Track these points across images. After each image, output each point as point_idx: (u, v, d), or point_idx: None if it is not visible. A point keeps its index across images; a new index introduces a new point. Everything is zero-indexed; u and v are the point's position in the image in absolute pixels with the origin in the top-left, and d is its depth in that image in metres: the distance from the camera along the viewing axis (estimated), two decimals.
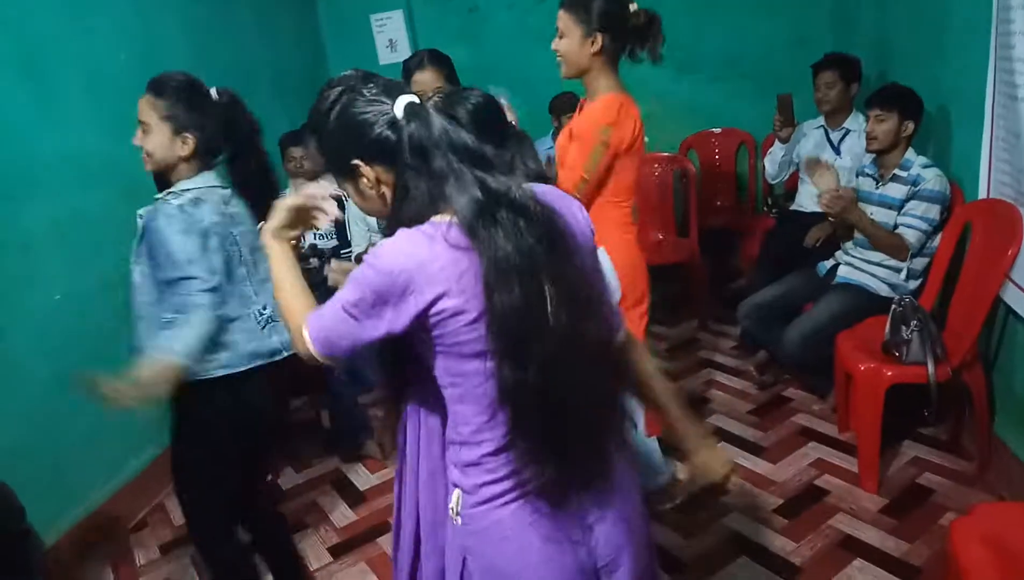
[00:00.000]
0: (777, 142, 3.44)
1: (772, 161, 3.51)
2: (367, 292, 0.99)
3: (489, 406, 1.02)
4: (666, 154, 4.20)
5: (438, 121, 0.99)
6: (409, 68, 2.30)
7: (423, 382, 1.12)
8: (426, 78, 2.22)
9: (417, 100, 1.02)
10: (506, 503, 1.05)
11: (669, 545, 2.30)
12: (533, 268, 0.94)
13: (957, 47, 2.58)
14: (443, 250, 0.96)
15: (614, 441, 1.10)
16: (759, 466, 2.66)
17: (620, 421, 1.11)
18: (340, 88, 1.07)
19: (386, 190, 1.07)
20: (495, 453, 1.04)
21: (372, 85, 1.06)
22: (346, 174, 1.10)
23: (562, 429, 1.00)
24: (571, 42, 1.91)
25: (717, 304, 4.05)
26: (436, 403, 1.13)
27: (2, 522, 1.94)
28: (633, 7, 1.92)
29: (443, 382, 1.07)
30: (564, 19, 1.91)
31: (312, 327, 1.08)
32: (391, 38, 4.75)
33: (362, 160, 1.06)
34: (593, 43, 1.90)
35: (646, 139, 4.91)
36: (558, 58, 1.97)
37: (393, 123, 1.02)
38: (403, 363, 1.15)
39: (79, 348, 2.59)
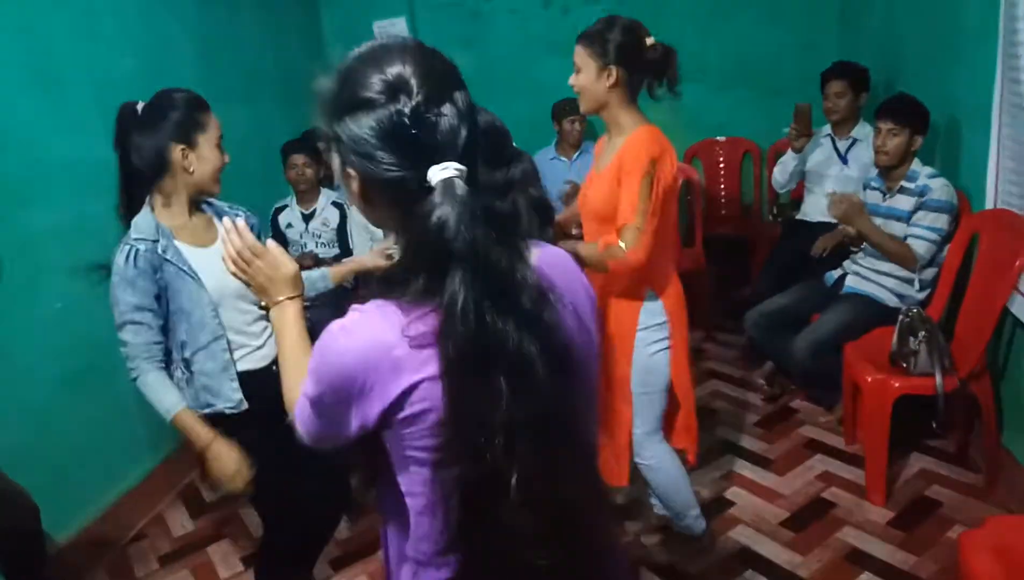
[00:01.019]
0: (790, 151, 3.43)
1: (783, 170, 3.49)
2: (323, 387, 0.85)
3: (449, 527, 0.83)
4: None
5: (478, 229, 0.76)
6: None
7: (390, 483, 0.92)
8: None
9: (459, 175, 0.79)
10: None
11: (675, 558, 2.28)
12: (503, 456, 0.75)
13: (964, 56, 2.57)
14: (414, 342, 0.79)
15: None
16: (765, 478, 2.63)
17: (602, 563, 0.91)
18: (387, 86, 0.79)
19: (383, 218, 0.90)
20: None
21: (430, 112, 0.79)
22: (344, 170, 0.88)
23: None
24: (588, 76, 1.90)
25: (722, 313, 4.03)
26: (402, 513, 0.94)
27: (19, 521, 1.95)
28: (649, 40, 1.92)
29: (404, 490, 0.89)
30: (580, 53, 1.90)
31: (297, 418, 0.94)
32: None
33: (365, 182, 0.85)
34: (609, 76, 1.89)
35: None
36: (576, 92, 1.95)
37: (420, 183, 0.79)
38: (374, 452, 0.93)
39: (83, 354, 2.58)
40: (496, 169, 1.25)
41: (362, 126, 0.79)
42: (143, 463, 2.88)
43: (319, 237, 3.57)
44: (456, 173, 0.78)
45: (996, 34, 2.26)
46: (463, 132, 0.80)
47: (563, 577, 0.81)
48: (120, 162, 1.72)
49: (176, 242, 1.72)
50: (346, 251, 3.58)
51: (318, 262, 3.43)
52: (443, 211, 0.76)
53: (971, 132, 2.55)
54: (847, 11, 4.04)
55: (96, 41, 2.76)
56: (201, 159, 1.69)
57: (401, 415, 0.82)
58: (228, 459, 1.70)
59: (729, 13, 4.29)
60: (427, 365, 0.79)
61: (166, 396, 1.71)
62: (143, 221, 1.71)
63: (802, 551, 2.25)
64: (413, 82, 0.78)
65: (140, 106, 1.68)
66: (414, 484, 0.87)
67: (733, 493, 2.57)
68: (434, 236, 0.76)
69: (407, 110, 0.77)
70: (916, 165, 2.63)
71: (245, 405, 1.79)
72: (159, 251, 1.68)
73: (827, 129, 3.37)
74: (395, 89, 0.78)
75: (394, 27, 4.71)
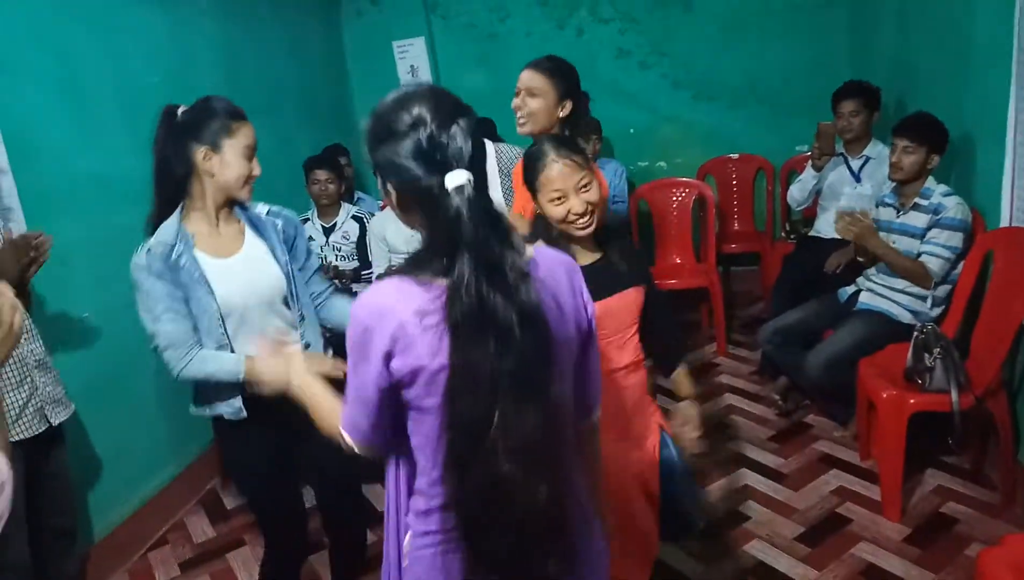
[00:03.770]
0: (808, 169, 3.45)
1: (802, 188, 3.51)
2: (354, 359, 1.05)
3: (443, 462, 1.04)
4: (684, 179, 4.22)
5: (480, 224, 0.99)
6: None
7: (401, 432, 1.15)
8: None
9: (469, 183, 1.01)
10: (446, 552, 1.08)
11: (688, 573, 2.29)
12: (491, 396, 0.96)
13: (978, 74, 2.59)
14: (415, 310, 0.99)
15: (565, 544, 1.07)
16: (780, 493, 2.64)
17: (570, 525, 1.08)
18: (411, 122, 1.03)
19: (419, 223, 1.11)
20: (445, 508, 1.07)
21: (443, 135, 1.02)
22: (384, 187, 1.12)
23: (508, 531, 1.00)
24: (546, 103, 1.98)
25: (736, 329, 4.04)
26: (404, 452, 1.17)
27: (68, 517, 2.02)
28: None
29: (408, 430, 1.10)
30: (540, 80, 1.98)
31: (343, 421, 1.14)
32: (412, 64, 4.84)
33: (399, 193, 1.09)
34: (563, 108, 1.99)
35: (663, 164, 4.98)
36: (521, 115, 2.02)
37: (440, 187, 1.01)
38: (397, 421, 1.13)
39: (107, 363, 2.64)
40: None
41: (394, 151, 1.04)
42: (165, 470, 2.93)
43: (339, 250, 3.62)
44: (466, 179, 1.00)
45: (1010, 52, 2.28)
46: (467, 148, 1.03)
47: (528, 498, 0.99)
48: (155, 164, 1.73)
49: (195, 250, 1.73)
50: (365, 263, 3.63)
51: (338, 274, 3.48)
52: (456, 210, 0.99)
53: (985, 150, 2.58)
54: (858, 30, 4.07)
55: (124, 58, 2.85)
56: (224, 164, 1.69)
57: (410, 376, 1.01)
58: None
59: (741, 32, 4.34)
60: (435, 337, 0.99)
61: (226, 359, 1.70)
62: (167, 227, 1.72)
63: (817, 566, 2.25)
64: (427, 116, 1.03)
65: (181, 109, 1.71)
66: (413, 425, 1.08)
67: (748, 507, 2.58)
68: (450, 228, 0.99)
69: (424, 136, 1.02)
70: (931, 183, 2.65)
71: (244, 414, 1.78)
72: (173, 257, 1.69)
73: (839, 148, 3.40)
74: (416, 123, 1.03)
75: (412, 46, 4.80)
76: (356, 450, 1.15)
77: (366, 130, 1.09)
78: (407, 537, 1.15)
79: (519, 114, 2.02)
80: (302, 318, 1.89)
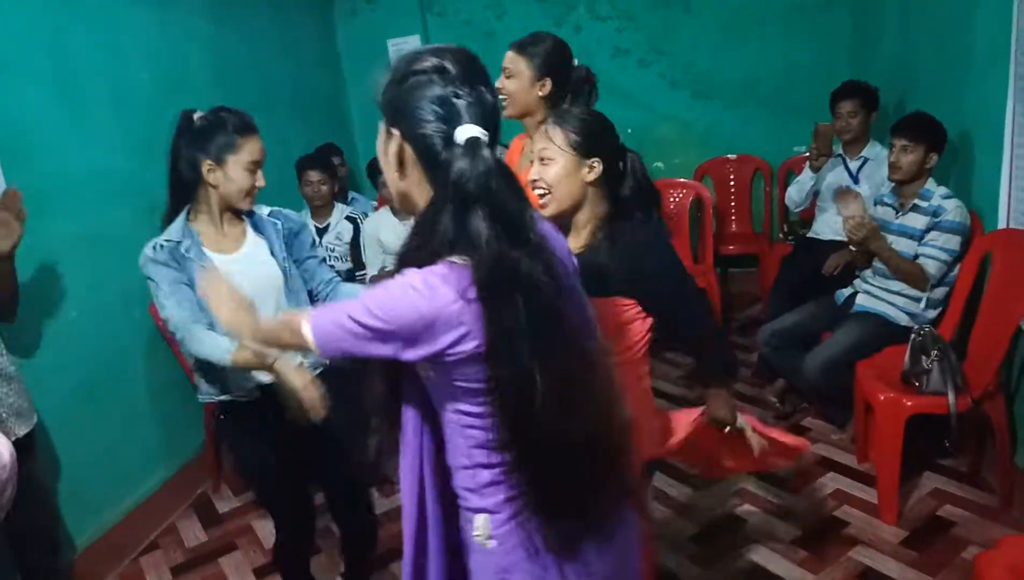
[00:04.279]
0: (807, 170, 3.44)
1: (800, 189, 3.51)
2: (379, 323, 0.98)
3: (503, 427, 1.02)
4: (682, 180, 4.21)
5: (493, 177, 0.96)
6: None
7: (417, 402, 1.13)
8: None
9: (483, 137, 0.98)
10: (532, 515, 1.06)
11: (685, 575, 2.27)
12: (526, 353, 0.96)
13: (976, 77, 2.58)
14: (457, 294, 0.96)
15: (617, 491, 1.12)
16: (777, 496, 2.62)
17: (622, 475, 1.12)
18: (434, 66, 1.00)
19: (411, 185, 1.05)
20: (516, 468, 1.04)
21: (463, 89, 0.99)
22: (388, 133, 1.06)
23: (565, 484, 1.04)
24: (520, 83, 1.94)
25: (734, 331, 4.03)
26: (433, 426, 1.13)
27: (47, 525, 1.99)
28: (575, 62, 2.00)
29: (448, 409, 1.07)
30: (515, 60, 1.95)
31: (314, 321, 1.05)
32: None
33: (404, 140, 1.03)
34: (542, 87, 1.95)
35: (660, 165, 4.97)
36: (501, 97, 1.97)
37: (448, 141, 0.98)
38: (399, 378, 1.13)
39: (98, 364, 2.62)
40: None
41: (410, 92, 1.00)
42: (156, 474, 2.90)
43: (332, 251, 3.60)
44: (480, 134, 0.97)
45: (1008, 55, 2.28)
46: (488, 111, 1.00)
47: (582, 453, 1.03)
48: (169, 168, 1.79)
49: (203, 248, 1.81)
50: (358, 265, 3.61)
51: None
52: (465, 162, 0.95)
53: (983, 152, 2.57)
54: (859, 31, 4.06)
55: (117, 57, 2.82)
56: (227, 178, 1.76)
57: (452, 358, 0.98)
58: (295, 376, 1.69)
59: (740, 32, 4.33)
60: (473, 311, 0.96)
61: (221, 340, 1.71)
62: (175, 225, 1.80)
63: (814, 569, 2.24)
64: (452, 68, 1.01)
65: (197, 116, 1.76)
66: (461, 404, 1.05)
67: (745, 511, 2.57)
68: (458, 181, 0.94)
69: (448, 83, 0.99)
70: (931, 184, 2.64)
71: (257, 393, 1.84)
72: (182, 250, 1.77)
73: (838, 148, 3.39)
74: (440, 69, 1.00)
75: (408, 45, 4.78)
76: (312, 347, 1.05)
77: (387, 72, 1.05)
78: (481, 521, 1.10)
79: (500, 96, 1.99)
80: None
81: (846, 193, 2.76)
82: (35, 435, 1.97)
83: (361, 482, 2.17)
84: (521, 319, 0.95)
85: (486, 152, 0.97)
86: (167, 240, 1.78)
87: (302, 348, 1.07)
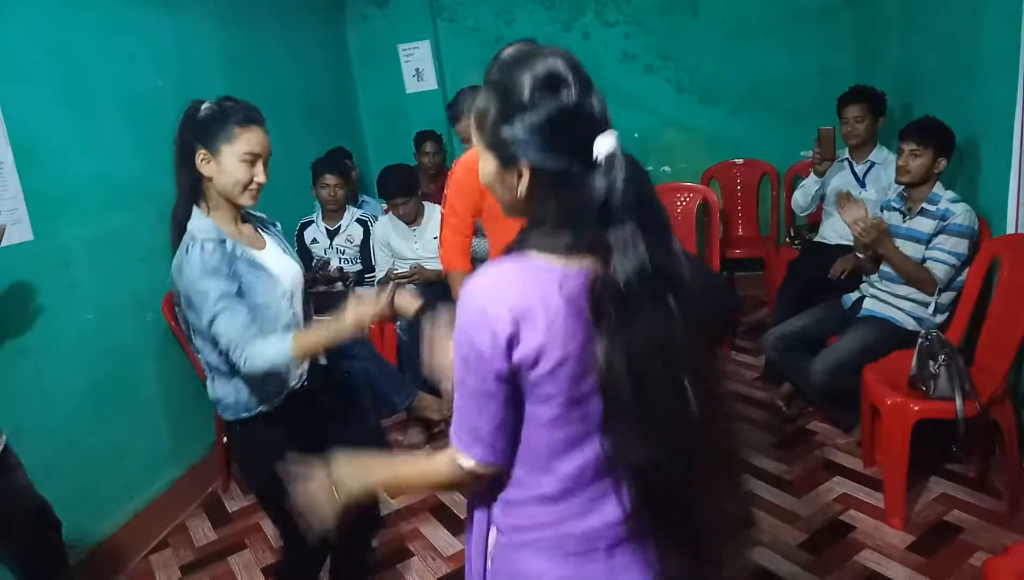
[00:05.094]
0: (812, 174, 3.44)
1: (805, 194, 3.51)
2: (470, 351, 0.92)
3: (550, 451, 0.96)
4: (688, 184, 4.22)
5: (637, 186, 0.88)
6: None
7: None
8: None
9: (618, 148, 0.89)
10: (540, 551, 1.00)
11: None
12: (672, 361, 0.89)
13: (984, 81, 2.58)
14: (541, 294, 0.89)
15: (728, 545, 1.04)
16: (784, 500, 2.62)
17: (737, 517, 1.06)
18: (548, 76, 0.88)
19: (535, 203, 0.95)
20: (551, 500, 0.98)
21: (586, 95, 0.89)
22: (507, 167, 0.93)
23: (684, 518, 0.95)
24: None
25: (740, 334, 4.03)
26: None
27: (42, 535, 1.99)
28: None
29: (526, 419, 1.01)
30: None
31: (453, 436, 0.99)
32: (418, 67, 4.85)
33: (531, 167, 0.91)
34: None
35: (667, 169, 4.98)
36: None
37: (586, 160, 0.88)
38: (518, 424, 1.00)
39: (109, 365, 2.64)
40: None
41: (531, 125, 0.88)
42: (166, 473, 2.93)
43: (343, 253, 3.63)
44: (616, 140, 0.88)
45: (1017, 58, 2.28)
46: (604, 104, 0.91)
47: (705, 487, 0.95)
48: (176, 159, 1.71)
49: (238, 243, 1.72)
50: (368, 266, 3.64)
51: (342, 276, 3.49)
52: (613, 177, 0.87)
53: (991, 157, 2.56)
54: (864, 35, 4.07)
55: (128, 62, 2.85)
56: (221, 169, 1.66)
57: (533, 363, 0.91)
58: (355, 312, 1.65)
59: (747, 37, 4.34)
60: (550, 314, 0.89)
61: (276, 341, 1.63)
62: (200, 223, 1.68)
63: (820, 574, 2.24)
64: (567, 75, 0.88)
65: (204, 105, 1.69)
66: (535, 415, 0.96)
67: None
68: (605, 198, 0.86)
69: (571, 100, 0.87)
70: (939, 188, 2.64)
71: (306, 380, 1.80)
72: (228, 249, 1.66)
73: (844, 153, 3.39)
74: (554, 84, 0.88)
75: (418, 50, 4.81)
76: (476, 473, 0.98)
77: (482, 108, 0.93)
78: (492, 535, 1.05)
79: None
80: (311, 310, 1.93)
81: (845, 198, 2.74)
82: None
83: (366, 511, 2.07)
84: (674, 323, 0.88)
85: (627, 161, 0.88)
86: (207, 238, 1.65)
87: (461, 481, 1.01)
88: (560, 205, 0.91)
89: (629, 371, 0.87)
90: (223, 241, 1.67)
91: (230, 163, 1.66)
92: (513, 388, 0.94)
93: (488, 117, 0.92)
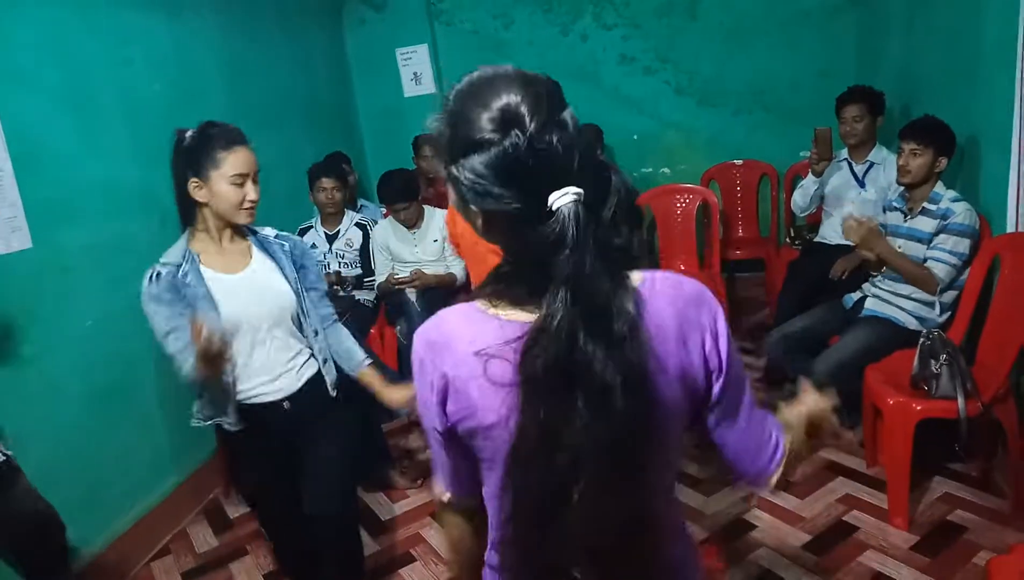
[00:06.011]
0: (810, 175, 3.44)
1: (804, 194, 3.51)
2: (419, 395, 0.90)
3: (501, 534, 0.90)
4: (688, 186, 4.22)
5: (584, 251, 0.77)
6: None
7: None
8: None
9: (579, 198, 0.78)
10: None
11: None
12: (570, 472, 0.77)
13: (984, 81, 2.58)
14: (482, 348, 0.82)
15: None
16: (787, 501, 2.61)
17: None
18: (508, 117, 0.78)
19: (482, 226, 0.87)
20: (496, 569, 0.96)
21: (546, 138, 0.78)
22: (465, 208, 0.87)
23: None
24: None
25: (741, 335, 4.03)
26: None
27: (46, 539, 1.99)
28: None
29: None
30: None
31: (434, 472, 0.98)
32: (416, 71, 4.86)
33: (482, 215, 0.84)
34: None
35: (667, 170, 4.99)
36: None
37: (542, 209, 0.79)
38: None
39: (110, 371, 2.64)
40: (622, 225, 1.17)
41: (478, 167, 0.79)
42: (168, 479, 2.92)
43: (342, 257, 3.63)
44: (575, 197, 0.77)
45: (1015, 58, 2.28)
46: (576, 154, 0.79)
47: None
48: (174, 184, 1.80)
49: (202, 267, 1.79)
50: (368, 271, 3.63)
51: (341, 280, 3.48)
52: (560, 235, 0.76)
53: (991, 156, 2.56)
54: (864, 36, 4.07)
55: (127, 66, 2.85)
56: (213, 193, 1.75)
57: (464, 423, 0.86)
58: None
59: (746, 39, 4.35)
60: (497, 386, 0.81)
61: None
62: (175, 247, 1.81)
63: (824, 575, 2.23)
64: (523, 112, 0.78)
65: (188, 134, 1.76)
66: (484, 475, 0.93)
67: (754, 516, 2.56)
68: (547, 254, 0.77)
69: (521, 143, 0.77)
70: (939, 188, 2.63)
71: (242, 425, 1.87)
72: (179, 275, 1.76)
73: (844, 153, 3.39)
74: (506, 123, 0.78)
75: (416, 54, 4.82)
76: (455, 504, 0.99)
77: (438, 135, 0.85)
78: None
79: None
80: (316, 333, 1.95)
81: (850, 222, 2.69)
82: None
83: (349, 505, 2.12)
84: (576, 426, 0.76)
85: (583, 217, 0.77)
86: (165, 263, 1.78)
87: (452, 511, 1.01)
88: (517, 248, 0.84)
89: (535, 454, 0.78)
90: (178, 266, 1.77)
91: (221, 187, 1.75)
92: (458, 441, 0.90)
93: (442, 149, 0.85)
